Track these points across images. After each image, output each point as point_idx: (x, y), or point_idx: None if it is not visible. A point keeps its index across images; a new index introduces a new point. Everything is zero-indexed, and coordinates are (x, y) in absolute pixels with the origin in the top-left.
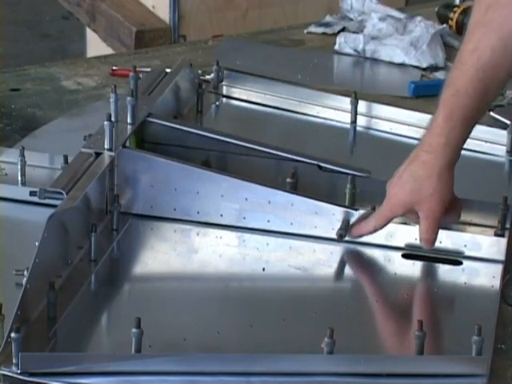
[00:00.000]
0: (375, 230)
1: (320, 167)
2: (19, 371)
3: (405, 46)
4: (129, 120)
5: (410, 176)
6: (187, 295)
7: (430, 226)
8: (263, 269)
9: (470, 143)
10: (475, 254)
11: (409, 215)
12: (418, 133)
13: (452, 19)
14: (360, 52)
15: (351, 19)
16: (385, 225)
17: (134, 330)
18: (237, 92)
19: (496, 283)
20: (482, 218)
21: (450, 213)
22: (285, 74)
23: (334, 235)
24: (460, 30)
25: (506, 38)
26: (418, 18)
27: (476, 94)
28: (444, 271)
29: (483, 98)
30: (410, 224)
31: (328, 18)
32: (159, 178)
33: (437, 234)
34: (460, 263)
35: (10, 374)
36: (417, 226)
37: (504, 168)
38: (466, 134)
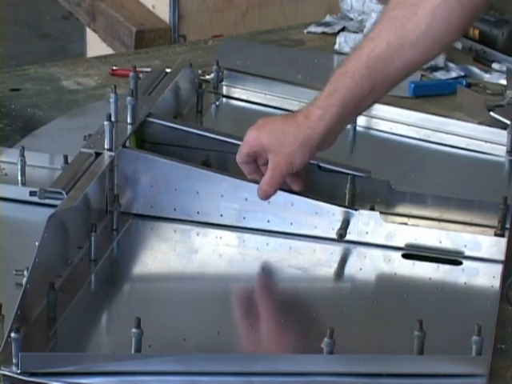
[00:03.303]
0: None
1: (320, 167)
2: (19, 371)
3: None
4: (129, 120)
5: (280, 127)
6: (187, 295)
7: (273, 180)
8: (263, 269)
9: (470, 143)
10: (475, 254)
11: (256, 158)
12: (418, 133)
13: None
14: None
15: (351, 19)
16: (244, 161)
17: (133, 330)
18: (237, 92)
19: (496, 283)
20: (482, 218)
21: (295, 181)
22: (285, 74)
23: (333, 235)
24: None
25: (403, 38)
26: None
27: (361, 81)
28: (444, 271)
29: (367, 88)
30: (409, 224)
31: (328, 18)
32: (159, 178)
33: (275, 190)
34: (460, 263)
35: (10, 374)
36: (416, 227)
37: (504, 168)
38: (342, 118)
